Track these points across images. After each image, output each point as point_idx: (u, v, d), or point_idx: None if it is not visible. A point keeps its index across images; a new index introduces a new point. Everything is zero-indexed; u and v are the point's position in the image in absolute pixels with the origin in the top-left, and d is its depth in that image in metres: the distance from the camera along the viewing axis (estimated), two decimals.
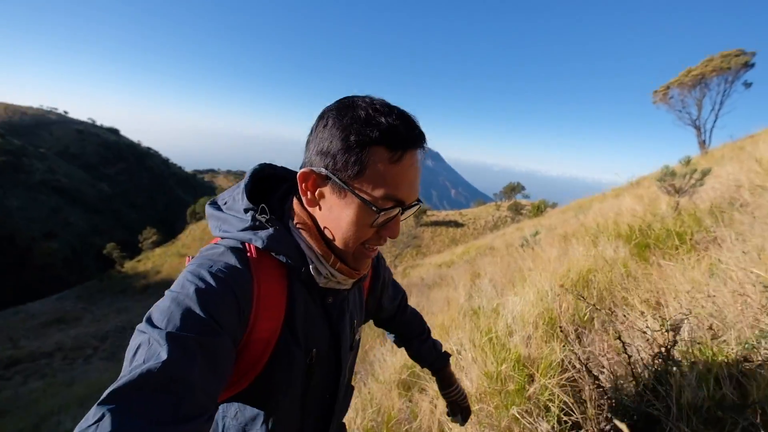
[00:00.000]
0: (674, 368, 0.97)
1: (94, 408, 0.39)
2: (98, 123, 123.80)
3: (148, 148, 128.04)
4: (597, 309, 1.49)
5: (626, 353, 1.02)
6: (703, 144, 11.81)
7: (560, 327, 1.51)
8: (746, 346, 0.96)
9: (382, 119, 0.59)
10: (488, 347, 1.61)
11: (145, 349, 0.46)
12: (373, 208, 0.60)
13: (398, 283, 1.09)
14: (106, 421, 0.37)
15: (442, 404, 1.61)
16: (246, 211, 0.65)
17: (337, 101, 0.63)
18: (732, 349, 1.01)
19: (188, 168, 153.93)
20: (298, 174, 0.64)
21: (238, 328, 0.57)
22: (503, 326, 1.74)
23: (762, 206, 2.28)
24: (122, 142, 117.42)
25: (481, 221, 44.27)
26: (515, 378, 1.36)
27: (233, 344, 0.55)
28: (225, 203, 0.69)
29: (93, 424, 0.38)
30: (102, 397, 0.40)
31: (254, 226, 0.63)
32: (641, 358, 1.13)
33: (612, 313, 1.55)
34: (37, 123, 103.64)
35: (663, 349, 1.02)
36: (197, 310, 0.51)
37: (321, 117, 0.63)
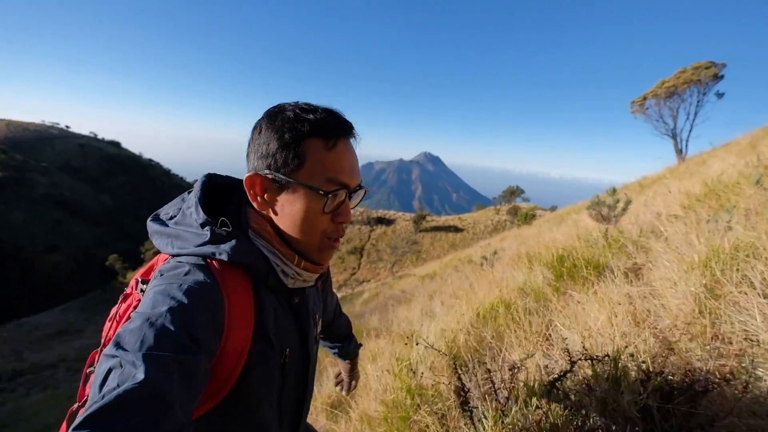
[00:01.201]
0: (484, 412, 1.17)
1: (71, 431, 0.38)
2: (100, 137, 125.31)
3: (150, 160, 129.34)
4: (489, 345, 1.70)
5: (464, 394, 1.22)
6: (680, 152, 12.05)
7: (454, 360, 1.70)
8: (536, 404, 1.14)
9: (310, 116, 0.64)
10: (397, 376, 1.81)
11: (117, 373, 0.45)
12: (320, 192, 0.64)
13: None
14: None
15: (355, 418, 1.82)
16: (203, 225, 0.64)
17: (265, 111, 0.68)
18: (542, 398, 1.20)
19: (189, 178, 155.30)
20: (243, 181, 0.66)
21: (214, 344, 0.56)
22: (415, 355, 1.94)
23: (671, 236, 2.47)
24: (124, 155, 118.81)
25: (481, 226, 44.37)
26: (403, 406, 1.56)
27: (208, 360, 0.55)
28: (171, 218, 0.69)
29: None
30: (76, 423, 0.39)
31: (214, 240, 0.63)
32: (481, 395, 1.33)
33: (496, 348, 1.75)
34: (38, 138, 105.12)
35: (495, 391, 1.22)
36: (172, 329, 0.50)
37: (254, 128, 0.67)
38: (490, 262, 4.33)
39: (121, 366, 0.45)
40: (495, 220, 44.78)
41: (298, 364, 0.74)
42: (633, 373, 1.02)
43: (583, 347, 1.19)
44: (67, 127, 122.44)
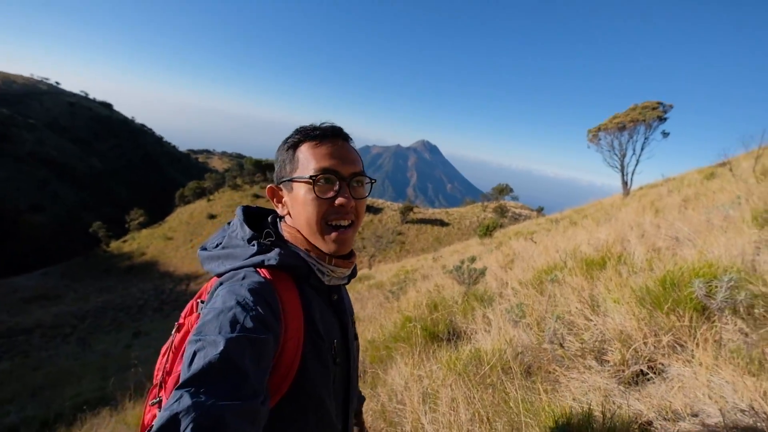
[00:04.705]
0: None
1: (173, 392, 0.49)
2: (91, 96, 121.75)
3: (142, 125, 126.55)
4: None
5: None
6: (625, 185, 12.81)
7: None
8: None
9: (304, 129, 0.79)
10: None
11: (202, 354, 0.54)
12: (308, 178, 0.74)
13: None
14: (185, 398, 0.48)
15: None
16: (249, 241, 0.76)
17: None
18: None
19: (182, 147, 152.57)
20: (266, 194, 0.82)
21: (277, 328, 0.65)
22: None
23: (500, 308, 3.01)
24: (115, 118, 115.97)
25: (466, 221, 45.06)
26: None
27: (275, 342, 0.64)
28: (217, 245, 0.80)
29: (175, 402, 0.47)
30: (178, 385, 0.50)
31: (261, 251, 0.73)
32: None
33: None
34: (26, 92, 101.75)
35: None
36: (242, 316, 0.60)
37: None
38: (396, 296, 4.91)
39: (204, 347, 0.55)
40: (481, 216, 45.51)
41: (342, 358, 0.82)
42: None
43: None
44: (57, 83, 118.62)
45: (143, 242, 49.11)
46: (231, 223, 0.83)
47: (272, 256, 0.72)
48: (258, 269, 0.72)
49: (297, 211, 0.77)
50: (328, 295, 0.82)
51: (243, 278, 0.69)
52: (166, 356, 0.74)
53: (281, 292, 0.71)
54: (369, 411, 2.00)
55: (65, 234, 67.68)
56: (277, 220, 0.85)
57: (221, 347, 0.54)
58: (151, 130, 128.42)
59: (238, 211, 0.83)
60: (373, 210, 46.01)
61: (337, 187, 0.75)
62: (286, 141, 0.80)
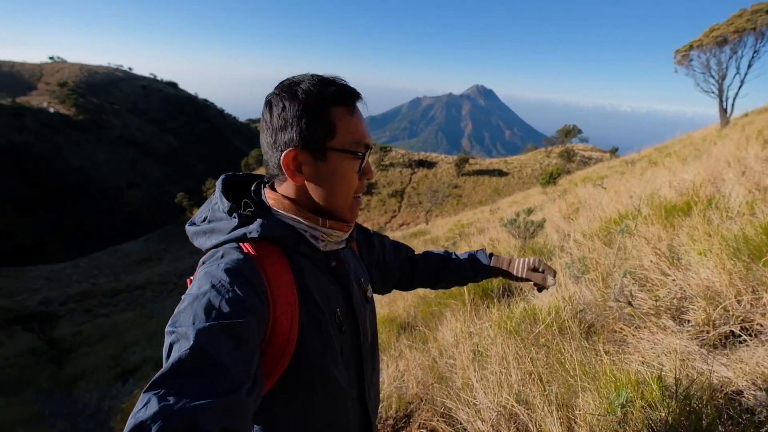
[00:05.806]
0: None
1: (141, 396, 0.46)
2: (158, 77, 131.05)
3: (205, 100, 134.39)
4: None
5: None
6: (724, 113, 10.16)
7: None
8: None
9: (330, 87, 0.69)
10: None
11: (177, 346, 0.52)
12: (358, 154, 0.70)
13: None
14: (152, 403, 0.44)
15: None
16: (230, 213, 0.69)
17: (276, 87, 0.70)
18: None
19: (242, 117, 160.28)
20: (281, 159, 0.68)
21: (262, 307, 0.61)
22: None
23: (560, 262, 2.82)
24: (181, 96, 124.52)
25: (528, 170, 42.27)
26: None
27: (259, 322, 0.60)
28: (203, 219, 0.74)
29: (142, 408, 0.44)
30: (146, 387, 0.47)
31: (243, 223, 0.67)
32: None
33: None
34: (107, 81, 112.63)
35: None
36: (217, 301, 0.56)
37: (270, 104, 0.69)
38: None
39: (178, 340, 0.52)
40: (544, 163, 42.25)
41: (348, 325, 0.79)
42: None
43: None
44: (129, 69, 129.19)
45: None
46: (214, 195, 0.77)
47: (254, 228, 0.67)
48: (241, 243, 0.68)
49: (330, 183, 0.71)
50: (325, 263, 0.77)
51: (222, 257, 0.65)
52: None
53: (267, 267, 0.66)
54: (419, 366, 2.05)
55: (157, 205, 77.39)
56: (261, 186, 0.78)
57: (192, 341, 0.51)
58: (212, 104, 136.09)
59: (218, 181, 0.76)
60: (427, 164, 44.99)
61: (367, 159, 0.74)
62: (308, 96, 0.67)
